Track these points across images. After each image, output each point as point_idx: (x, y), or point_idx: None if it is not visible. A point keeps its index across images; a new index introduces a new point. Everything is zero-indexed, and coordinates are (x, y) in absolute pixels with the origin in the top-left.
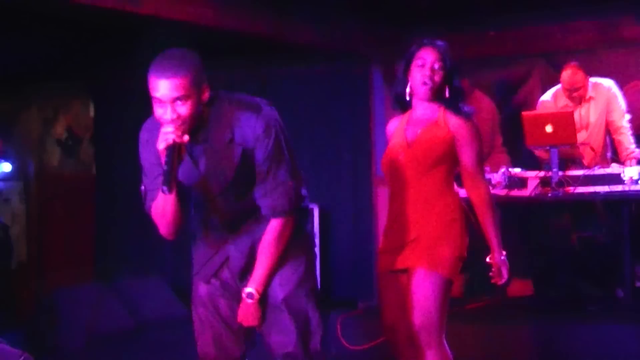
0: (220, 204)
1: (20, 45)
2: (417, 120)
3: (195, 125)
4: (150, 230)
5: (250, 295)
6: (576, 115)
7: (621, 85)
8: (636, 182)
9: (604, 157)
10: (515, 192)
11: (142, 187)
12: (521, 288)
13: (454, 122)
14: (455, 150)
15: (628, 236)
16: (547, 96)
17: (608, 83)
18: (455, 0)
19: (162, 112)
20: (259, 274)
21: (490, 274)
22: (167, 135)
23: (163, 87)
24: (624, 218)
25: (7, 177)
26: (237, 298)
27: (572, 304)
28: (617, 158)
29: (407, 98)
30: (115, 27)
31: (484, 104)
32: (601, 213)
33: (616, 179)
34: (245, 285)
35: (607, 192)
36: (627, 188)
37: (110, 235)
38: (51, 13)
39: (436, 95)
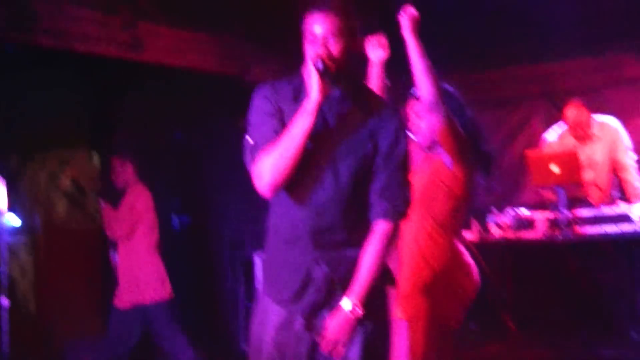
0: (323, 195)
1: (25, 101)
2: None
3: (342, 82)
4: None
5: (354, 309)
6: (582, 155)
7: (624, 123)
8: None
9: (610, 196)
10: (524, 234)
11: (251, 141)
12: None
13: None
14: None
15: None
16: (552, 137)
17: (613, 122)
18: (459, 43)
19: (315, 50)
20: (362, 286)
21: None
22: (318, 59)
23: (319, 21)
24: (634, 258)
25: (14, 231)
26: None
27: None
28: (623, 197)
29: None
30: (119, 79)
31: None
32: (611, 254)
33: (625, 218)
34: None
35: (618, 233)
36: (637, 228)
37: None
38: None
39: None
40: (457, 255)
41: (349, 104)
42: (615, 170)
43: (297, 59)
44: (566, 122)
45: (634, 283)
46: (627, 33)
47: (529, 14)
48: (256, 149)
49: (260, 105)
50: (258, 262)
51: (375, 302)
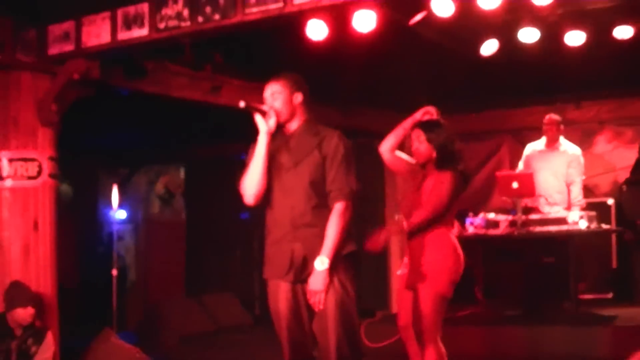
0: (292, 195)
1: (132, 129)
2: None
3: (288, 118)
4: (225, 258)
5: (322, 262)
6: (549, 163)
7: None
8: (576, 223)
9: (555, 204)
10: (491, 231)
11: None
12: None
13: (441, 178)
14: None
15: (573, 262)
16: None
17: (576, 147)
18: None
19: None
20: (328, 247)
21: None
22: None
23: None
24: (569, 248)
25: (122, 222)
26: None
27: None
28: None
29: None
30: (198, 114)
31: None
32: (553, 245)
33: (563, 221)
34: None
35: (557, 231)
36: (571, 228)
37: (196, 263)
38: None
39: (426, 159)
40: (452, 243)
41: (302, 133)
42: (567, 182)
43: None
44: (544, 126)
45: (568, 266)
46: (569, 89)
47: (501, 74)
48: (242, 173)
49: (250, 153)
50: None
51: (342, 270)
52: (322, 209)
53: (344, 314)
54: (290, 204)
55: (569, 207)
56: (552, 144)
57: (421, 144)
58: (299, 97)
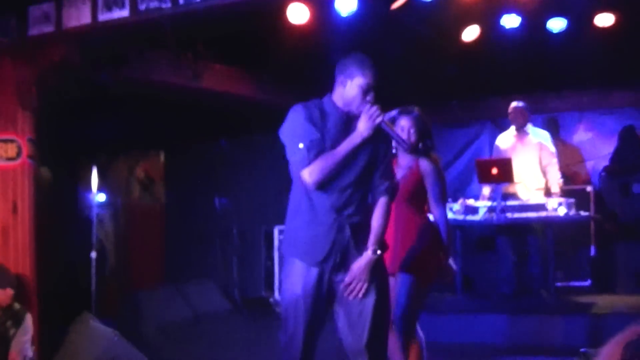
0: (340, 184)
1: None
2: (401, 165)
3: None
4: (205, 245)
5: (374, 251)
6: (519, 152)
7: None
8: (555, 210)
9: (534, 190)
10: (470, 218)
11: (300, 145)
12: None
13: (424, 166)
14: (424, 185)
15: (551, 248)
16: (499, 141)
17: (544, 131)
18: (429, 84)
19: (370, 97)
20: (377, 237)
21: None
22: (376, 115)
23: (374, 76)
24: (547, 235)
25: (102, 206)
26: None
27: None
28: (546, 189)
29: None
30: (179, 101)
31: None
32: (531, 232)
33: (542, 207)
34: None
35: (536, 217)
36: (550, 214)
37: (175, 249)
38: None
39: (412, 149)
40: (430, 230)
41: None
42: (541, 167)
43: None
44: (510, 115)
45: (547, 254)
46: (550, 78)
47: (481, 62)
48: (309, 150)
49: (299, 120)
50: (276, 233)
51: (381, 264)
52: (364, 202)
53: (382, 306)
54: (341, 192)
55: (547, 192)
56: (520, 131)
57: (411, 135)
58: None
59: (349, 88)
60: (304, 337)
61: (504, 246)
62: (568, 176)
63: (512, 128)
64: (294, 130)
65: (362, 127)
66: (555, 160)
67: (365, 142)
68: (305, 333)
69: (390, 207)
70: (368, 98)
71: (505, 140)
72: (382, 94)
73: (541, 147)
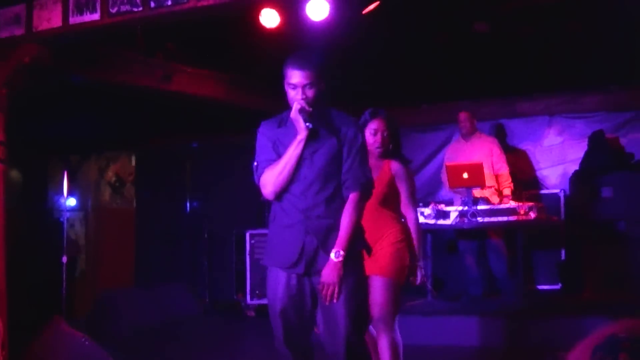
0: (305, 185)
1: (83, 116)
2: (373, 167)
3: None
4: (175, 248)
5: (338, 254)
6: (465, 153)
7: (516, 144)
8: (526, 214)
9: (502, 194)
10: (441, 222)
11: (255, 163)
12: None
13: (395, 168)
14: (396, 187)
15: (521, 252)
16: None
17: (492, 137)
18: (399, 88)
19: (294, 94)
20: (343, 239)
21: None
22: (299, 103)
23: (297, 76)
24: (517, 239)
25: (72, 209)
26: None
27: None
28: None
29: None
30: (150, 102)
31: None
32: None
33: (513, 212)
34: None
35: (506, 221)
36: (520, 218)
37: (146, 252)
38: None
39: (384, 152)
40: (403, 231)
41: (319, 122)
42: (494, 170)
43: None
44: (459, 124)
45: (516, 257)
46: (520, 81)
47: (452, 66)
48: (259, 167)
49: (259, 139)
50: (248, 237)
51: (354, 262)
52: (335, 200)
53: (355, 307)
54: (304, 194)
55: (500, 195)
56: (468, 137)
57: (384, 139)
58: (323, 85)
59: (286, 90)
60: (284, 340)
61: (467, 248)
62: (539, 180)
63: (459, 137)
64: (255, 149)
65: (298, 128)
66: (504, 165)
67: (320, 140)
68: (284, 336)
69: (362, 204)
70: (297, 96)
71: (454, 146)
72: (350, 96)
73: (491, 152)
